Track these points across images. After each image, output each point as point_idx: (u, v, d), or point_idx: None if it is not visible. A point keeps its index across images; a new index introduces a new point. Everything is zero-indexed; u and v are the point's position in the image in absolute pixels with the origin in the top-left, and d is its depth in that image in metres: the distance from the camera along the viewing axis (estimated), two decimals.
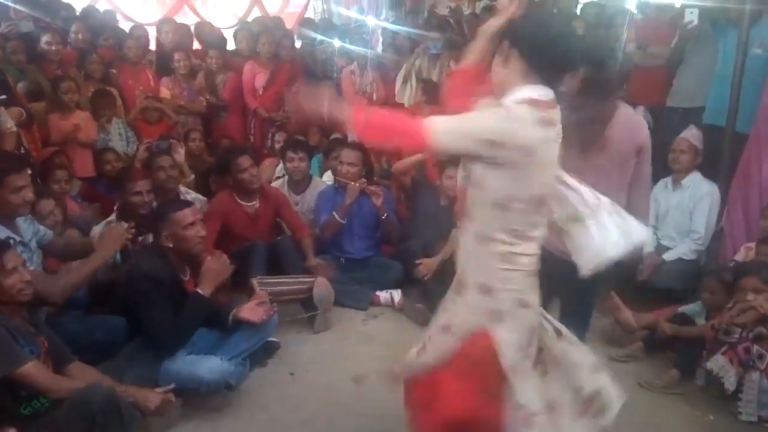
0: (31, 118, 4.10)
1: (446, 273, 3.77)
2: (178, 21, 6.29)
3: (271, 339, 3.13)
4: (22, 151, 3.73)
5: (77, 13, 5.72)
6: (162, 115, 4.98)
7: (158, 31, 5.71)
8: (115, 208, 3.53)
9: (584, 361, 1.92)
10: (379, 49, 6.33)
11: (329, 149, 4.66)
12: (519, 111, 1.64)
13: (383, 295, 3.80)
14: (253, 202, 3.87)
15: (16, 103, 3.92)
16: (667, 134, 3.91)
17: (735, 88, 3.63)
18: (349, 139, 4.34)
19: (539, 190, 1.71)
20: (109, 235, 2.80)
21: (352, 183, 3.92)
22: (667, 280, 3.58)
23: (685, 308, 3.22)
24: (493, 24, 1.80)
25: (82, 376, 2.32)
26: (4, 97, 3.66)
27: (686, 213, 3.69)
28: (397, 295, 3.78)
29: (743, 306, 2.77)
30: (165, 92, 5.14)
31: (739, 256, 3.37)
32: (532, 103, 1.65)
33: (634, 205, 2.26)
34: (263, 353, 3.09)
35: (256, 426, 2.67)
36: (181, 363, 2.64)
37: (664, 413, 2.77)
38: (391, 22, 6.68)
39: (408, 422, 2.01)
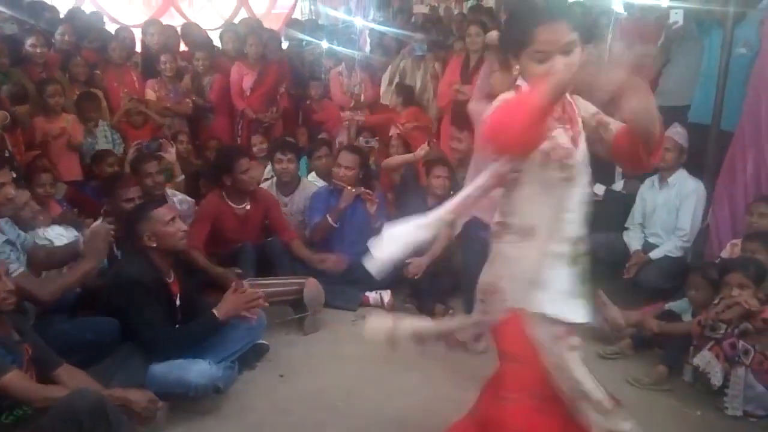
0: (15, 121, 4.06)
1: (436, 272, 3.81)
2: (164, 23, 6.26)
3: (260, 341, 3.12)
4: (6, 155, 3.69)
5: (61, 16, 5.67)
6: (147, 119, 4.96)
7: (144, 33, 5.69)
8: (102, 212, 3.51)
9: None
10: (367, 50, 6.34)
11: (313, 149, 4.66)
12: None
13: (373, 295, 3.80)
14: (244, 204, 3.85)
15: (0, 106, 3.88)
16: None
17: (720, 87, 3.66)
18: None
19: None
20: (96, 235, 2.76)
21: (349, 188, 3.91)
22: (653, 277, 3.61)
23: (672, 305, 3.25)
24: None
25: (70, 380, 2.30)
26: None
27: (672, 211, 3.72)
28: (386, 295, 3.78)
29: (728, 302, 2.80)
30: (151, 94, 5.11)
31: (725, 253, 3.40)
32: None
33: None
34: (252, 356, 3.08)
35: (245, 429, 2.65)
36: (169, 367, 2.62)
37: (652, 409, 2.78)
38: (379, 23, 6.69)
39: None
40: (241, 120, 5.57)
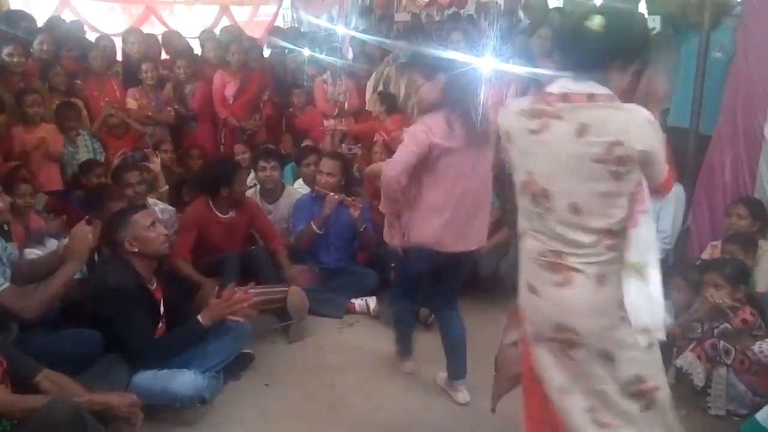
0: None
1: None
2: (145, 31, 6.23)
3: (245, 351, 3.10)
4: None
5: (40, 25, 5.61)
6: (128, 127, 4.92)
7: (124, 42, 5.64)
8: (85, 221, 3.46)
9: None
10: (350, 57, 6.35)
11: (301, 157, 4.65)
12: (517, 102, 1.84)
13: (358, 302, 3.79)
14: (230, 213, 3.84)
15: None
16: None
17: (697, 91, 3.73)
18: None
19: (522, 178, 1.80)
20: (77, 237, 2.71)
21: (331, 194, 3.90)
22: None
23: None
24: None
25: (52, 386, 2.27)
26: None
27: (653, 213, 3.76)
28: (372, 302, 3.78)
29: (702, 302, 2.84)
30: (132, 103, 5.07)
31: (706, 255, 3.45)
32: (535, 95, 1.81)
33: None
34: (237, 365, 3.05)
35: None
36: (154, 377, 2.60)
37: None
38: (361, 31, 6.70)
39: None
40: (224, 128, 5.55)
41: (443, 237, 2.58)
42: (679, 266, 3.55)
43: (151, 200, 3.91)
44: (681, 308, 3.10)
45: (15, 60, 4.53)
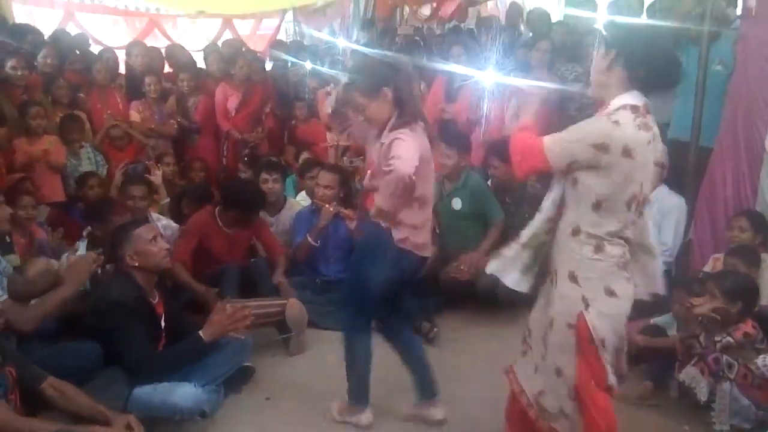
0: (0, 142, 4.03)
1: (421, 291, 3.80)
2: (149, 44, 6.27)
3: (245, 364, 3.09)
4: None
5: (45, 38, 5.66)
6: (131, 140, 4.94)
7: (128, 55, 5.68)
8: (84, 234, 3.47)
9: None
10: None
11: (304, 170, 4.66)
12: (621, 116, 1.91)
13: None
14: (233, 228, 3.85)
15: None
16: None
17: (697, 105, 3.74)
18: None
19: (634, 189, 1.94)
20: (78, 265, 2.75)
21: (327, 206, 3.91)
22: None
23: (657, 319, 3.26)
24: None
25: (57, 394, 2.29)
26: None
27: (655, 226, 3.73)
28: None
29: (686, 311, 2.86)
30: (135, 116, 5.10)
31: (708, 267, 3.44)
32: (632, 109, 1.92)
33: None
34: (238, 379, 3.04)
35: None
36: (154, 390, 2.58)
37: (638, 425, 2.78)
38: (363, 44, 6.74)
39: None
40: (227, 141, 5.57)
41: (426, 241, 2.57)
42: (681, 279, 3.54)
43: (154, 215, 3.91)
44: (683, 321, 3.09)
45: (18, 73, 4.57)
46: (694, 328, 2.85)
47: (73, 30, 6.59)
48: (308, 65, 6.18)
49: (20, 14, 6.72)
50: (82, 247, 3.33)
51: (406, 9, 8.36)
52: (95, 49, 6.13)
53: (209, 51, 6.19)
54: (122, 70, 5.69)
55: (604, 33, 2.24)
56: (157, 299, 2.81)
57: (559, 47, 4.98)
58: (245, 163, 5.16)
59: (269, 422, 2.82)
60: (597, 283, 1.99)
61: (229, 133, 5.50)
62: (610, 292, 1.99)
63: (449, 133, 4.40)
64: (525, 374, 2.25)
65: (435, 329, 3.63)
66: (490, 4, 8.46)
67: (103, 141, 4.86)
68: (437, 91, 5.10)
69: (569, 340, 2.03)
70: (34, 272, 2.88)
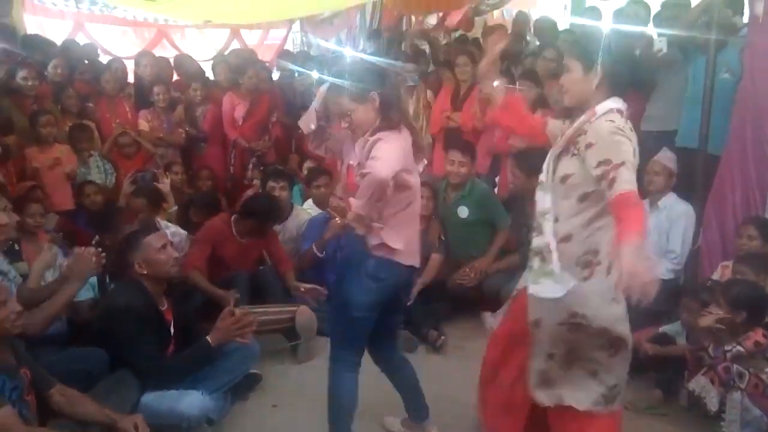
0: (7, 152, 4.06)
1: (429, 298, 3.80)
2: (157, 54, 6.32)
3: (252, 371, 3.09)
4: None
5: (56, 48, 5.71)
6: (139, 148, 4.97)
7: (137, 65, 5.73)
8: (93, 243, 3.48)
9: None
10: None
11: (311, 178, 4.68)
12: (615, 118, 2.03)
13: None
14: (246, 238, 3.86)
15: None
16: (642, 157, 3.98)
17: (705, 112, 3.73)
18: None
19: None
20: (79, 260, 2.75)
21: (335, 219, 3.92)
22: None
23: (666, 328, 3.24)
24: (485, 65, 2.42)
25: (65, 401, 2.30)
26: None
27: (663, 233, 3.75)
28: None
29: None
30: (144, 125, 5.13)
31: (716, 275, 3.42)
32: (619, 112, 2.04)
33: None
34: (245, 386, 3.04)
35: None
36: (161, 397, 2.59)
37: None
38: (369, 54, 6.77)
39: None
40: (234, 149, 5.59)
41: (410, 248, 2.39)
42: (689, 287, 3.52)
43: (162, 222, 3.93)
44: (692, 329, 3.07)
45: (29, 83, 4.62)
46: (702, 339, 2.82)
47: (82, 40, 6.66)
48: (315, 75, 6.21)
49: (31, 25, 6.80)
50: None
51: (413, 19, 8.40)
52: (104, 59, 6.19)
53: (217, 61, 6.24)
54: (131, 79, 5.74)
55: (573, 46, 2.34)
56: (166, 306, 2.82)
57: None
58: (261, 172, 5.17)
59: (276, 429, 2.81)
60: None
61: (236, 142, 5.53)
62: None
63: (454, 140, 4.41)
64: None
65: (442, 337, 3.62)
66: (496, 13, 8.48)
67: (112, 150, 4.89)
68: (444, 99, 5.11)
69: None
70: (42, 263, 2.87)
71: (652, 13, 4.54)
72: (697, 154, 3.80)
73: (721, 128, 3.72)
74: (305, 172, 5.13)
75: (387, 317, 2.47)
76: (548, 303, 2.10)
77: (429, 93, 5.62)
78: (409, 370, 2.65)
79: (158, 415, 2.51)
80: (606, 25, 5.06)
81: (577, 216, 2.08)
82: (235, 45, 8.33)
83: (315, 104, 2.46)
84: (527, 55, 5.41)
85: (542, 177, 2.19)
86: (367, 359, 2.54)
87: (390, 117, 2.31)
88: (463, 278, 3.93)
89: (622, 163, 1.95)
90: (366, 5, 7.99)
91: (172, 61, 6.19)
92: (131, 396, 2.56)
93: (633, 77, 2.13)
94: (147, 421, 2.40)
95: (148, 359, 2.62)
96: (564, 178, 2.11)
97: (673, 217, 3.74)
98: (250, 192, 4.75)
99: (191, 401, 2.60)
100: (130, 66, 5.81)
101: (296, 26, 8.91)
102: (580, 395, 2.18)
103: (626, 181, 1.93)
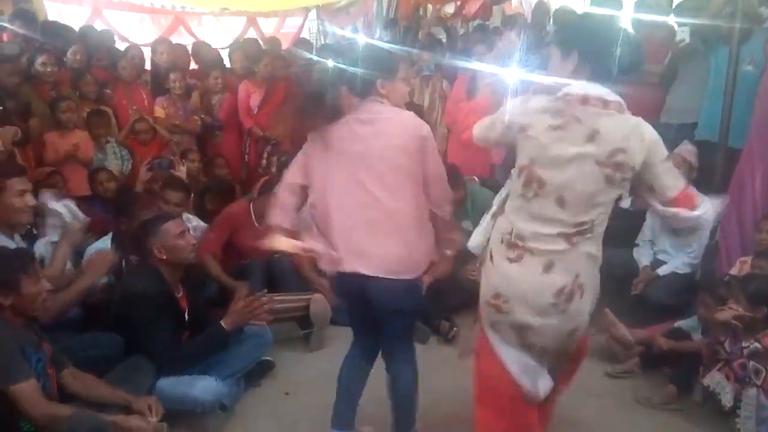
0: (27, 136, 4.10)
1: (442, 290, 3.79)
2: (174, 41, 6.34)
3: (265, 358, 3.11)
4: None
5: (75, 34, 5.74)
6: (155, 135, 4.99)
7: (153, 52, 5.75)
8: (111, 235, 3.49)
9: None
10: None
11: None
12: (533, 99, 1.98)
13: None
14: (265, 223, 3.87)
15: (11, 122, 3.92)
16: None
17: (726, 105, 3.66)
18: None
19: (524, 162, 1.99)
20: (97, 260, 2.80)
21: None
22: (661, 294, 3.58)
23: (682, 323, 3.21)
24: None
25: (76, 382, 2.34)
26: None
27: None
28: None
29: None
30: (160, 111, 5.15)
31: (734, 270, 3.37)
32: (563, 95, 1.92)
33: None
34: (258, 373, 3.07)
35: None
36: (175, 382, 2.62)
37: (662, 429, 2.75)
38: (385, 42, 6.73)
39: None
40: (249, 138, 5.60)
41: (342, 255, 2.20)
42: (707, 282, 3.48)
43: (185, 215, 3.94)
44: (708, 324, 3.04)
45: (48, 69, 4.65)
46: (719, 334, 2.79)
47: (100, 27, 6.69)
48: (330, 63, 6.19)
49: (50, 11, 6.85)
50: (107, 241, 3.37)
51: (429, 7, 8.34)
52: (121, 46, 6.22)
53: (234, 48, 6.23)
54: (148, 66, 5.76)
55: (554, 33, 2.27)
56: (181, 293, 2.84)
57: None
58: (277, 160, 5.17)
59: (288, 416, 2.83)
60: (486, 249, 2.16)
61: (251, 131, 5.54)
62: (490, 258, 2.11)
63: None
64: None
65: (455, 328, 3.62)
66: (514, 2, 8.39)
67: (128, 136, 4.92)
68: (459, 89, 5.07)
69: None
70: (62, 252, 2.92)
71: (674, 3, 4.46)
72: (717, 148, 3.74)
73: (742, 121, 3.65)
74: None
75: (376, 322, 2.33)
76: None
77: (445, 83, 5.59)
78: (402, 390, 2.40)
79: (172, 400, 2.54)
80: (625, 14, 4.98)
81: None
82: (252, 33, 8.33)
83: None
84: (546, 44, 5.35)
85: None
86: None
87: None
88: (473, 273, 3.91)
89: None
90: None
91: (189, 48, 6.19)
92: (146, 381, 2.59)
93: (606, 63, 1.94)
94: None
95: (163, 345, 2.65)
96: None
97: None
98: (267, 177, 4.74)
99: (205, 387, 2.63)
100: (147, 53, 5.83)
101: (312, 15, 8.87)
102: None
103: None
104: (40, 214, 3.08)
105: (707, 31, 3.98)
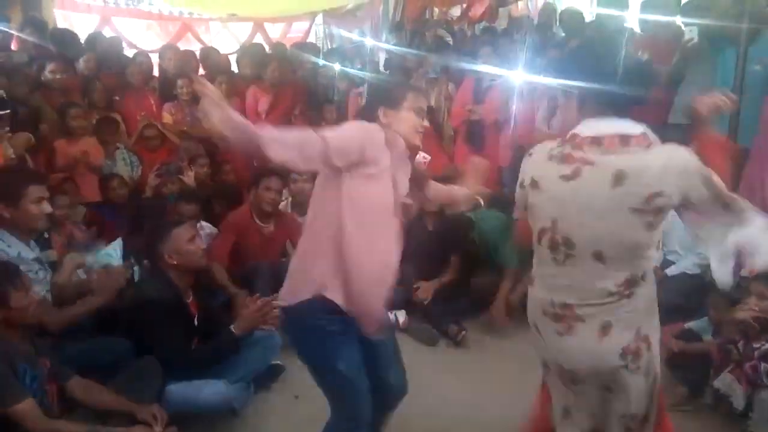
0: (39, 144, 4.13)
1: (450, 295, 3.80)
2: (181, 47, 6.38)
3: (275, 362, 3.12)
4: None
5: (82, 42, 5.80)
6: (164, 140, 5.02)
7: (161, 58, 5.79)
8: (122, 241, 3.50)
9: None
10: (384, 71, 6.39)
11: None
12: (537, 147, 1.79)
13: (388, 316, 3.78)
14: (269, 225, 3.89)
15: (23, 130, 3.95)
16: None
17: (735, 105, 3.64)
18: None
19: (543, 225, 1.76)
20: (108, 278, 2.81)
21: None
22: (670, 294, 3.53)
23: (692, 324, 3.19)
24: None
25: (83, 392, 2.35)
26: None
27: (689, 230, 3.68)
28: (401, 315, 3.77)
29: (741, 310, 2.72)
30: (168, 117, 5.19)
31: (745, 271, 3.34)
32: (570, 138, 1.67)
33: None
34: (267, 377, 3.07)
35: None
36: (185, 386, 2.63)
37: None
38: (392, 45, 6.76)
39: None
40: None
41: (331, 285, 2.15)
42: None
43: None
44: (719, 326, 3.02)
45: (57, 77, 4.69)
46: (732, 334, 2.77)
47: (108, 34, 6.75)
48: (337, 67, 6.21)
49: (59, 19, 6.93)
50: (117, 247, 3.39)
51: (436, 10, 8.35)
52: (129, 52, 6.27)
53: (242, 54, 6.27)
54: (156, 73, 5.80)
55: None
56: (191, 299, 2.85)
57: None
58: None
59: (297, 421, 2.84)
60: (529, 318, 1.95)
61: None
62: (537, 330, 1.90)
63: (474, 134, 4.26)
64: None
65: (463, 332, 3.61)
66: (520, 4, 8.39)
67: (137, 142, 4.95)
68: (466, 92, 5.08)
69: None
70: (70, 266, 2.95)
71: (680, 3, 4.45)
72: None
73: (751, 121, 3.64)
74: None
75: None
76: None
77: (451, 85, 5.59)
78: None
79: (182, 404, 2.56)
80: (632, 16, 4.97)
81: None
82: (259, 38, 8.37)
83: None
84: (553, 46, 5.34)
85: None
86: None
87: None
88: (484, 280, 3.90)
89: None
90: None
91: (198, 54, 6.23)
92: (155, 385, 2.60)
93: (600, 98, 1.65)
94: (171, 410, 2.45)
95: (173, 351, 2.65)
96: None
97: None
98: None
99: (215, 390, 2.64)
100: (155, 60, 5.87)
101: (319, 19, 8.91)
102: None
103: None
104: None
105: (715, 32, 3.96)
